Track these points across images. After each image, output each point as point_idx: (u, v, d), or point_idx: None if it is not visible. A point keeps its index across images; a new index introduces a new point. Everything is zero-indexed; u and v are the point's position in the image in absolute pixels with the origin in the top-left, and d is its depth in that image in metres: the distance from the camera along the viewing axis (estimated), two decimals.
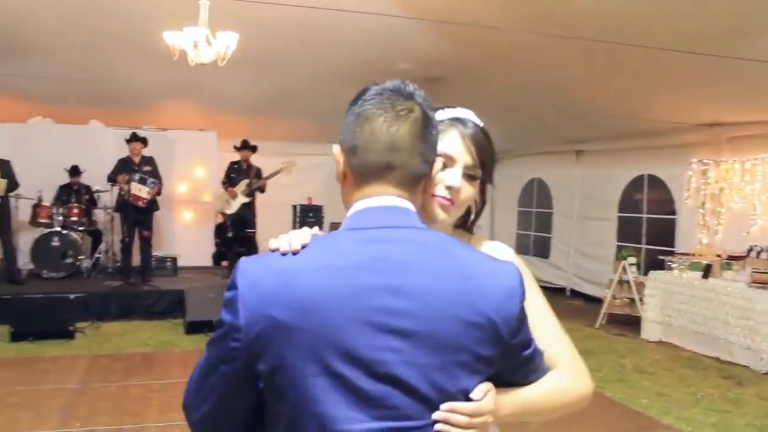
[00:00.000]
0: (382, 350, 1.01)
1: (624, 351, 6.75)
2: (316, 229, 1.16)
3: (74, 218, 8.50)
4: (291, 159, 9.26)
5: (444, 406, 1.05)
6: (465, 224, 1.48)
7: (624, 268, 7.77)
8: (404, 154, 1.11)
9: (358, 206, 1.13)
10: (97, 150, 9.06)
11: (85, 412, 4.66)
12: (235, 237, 9.23)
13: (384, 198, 1.12)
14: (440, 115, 1.33)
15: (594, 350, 6.65)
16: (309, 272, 1.04)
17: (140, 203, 7.99)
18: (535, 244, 10.93)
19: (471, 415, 1.07)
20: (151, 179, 8.12)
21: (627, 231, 8.96)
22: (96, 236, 9.07)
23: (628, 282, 7.76)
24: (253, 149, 9.16)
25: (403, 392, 1.02)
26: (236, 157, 9.22)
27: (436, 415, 1.04)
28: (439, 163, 1.21)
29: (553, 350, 1.27)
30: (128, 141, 8.27)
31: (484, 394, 1.08)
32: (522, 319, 1.11)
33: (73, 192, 8.77)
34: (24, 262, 8.35)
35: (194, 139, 10.07)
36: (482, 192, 1.43)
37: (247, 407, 1.11)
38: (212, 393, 1.10)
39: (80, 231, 8.60)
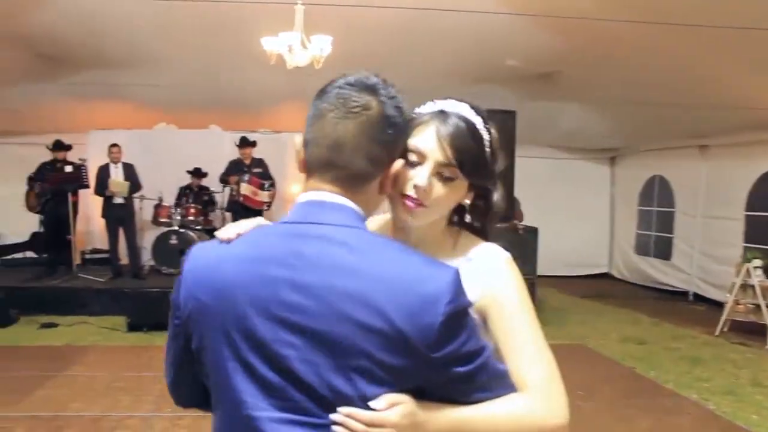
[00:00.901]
0: (281, 344, 1.02)
1: (742, 362, 6.18)
2: (261, 219, 1.20)
3: (191, 218, 9.00)
4: None
5: (342, 409, 1.01)
6: (472, 224, 1.33)
7: (748, 272, 7.14)
8: (347, 153, 1.08)
9: (299, 199, 1.13)
10: (216, 152, 9.55)
11: None
12: None
13: (318, 193, 1.10)
14: (426, 108, 1.26)
15: (707, 359, 6.16)
16: (230, 260, 1.08)
17: (255, 204, 8.34)
18: (656, 244, 10.32)
19: (368, 425, 1.00)
20: (268, 182, 8.48)
21: (756, 231, 8.20)
22: (213, 235, 9.56)
23: (753, 286, 7.13)
24: None
25: (300, 389, 1.02)
26: None
27: (333, 417, 1.01)
28: (398, 163, 1.14)
29: (523, 371, 1.15)
30: (239, 145, 8.67)
31: (387, 405, 1.01)
32: (451, 330, 1.01)
33: (192, 193, 9.31)
34: (147, 258, 8.97)
35: None
36: (479, 195, 1.29)
37: (197, 380, 1.18)
38: (171, 365, 1.23)
39: (197, 230, 9.09)
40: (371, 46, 7.23)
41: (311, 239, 1.05)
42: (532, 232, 7.31)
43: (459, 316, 1.02)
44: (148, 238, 9.11)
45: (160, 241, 8.79)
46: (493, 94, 8.45)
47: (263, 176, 8.61)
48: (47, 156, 8.49)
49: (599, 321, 7.87)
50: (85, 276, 8.26)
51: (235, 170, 8.56)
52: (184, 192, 9.37)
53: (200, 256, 1.14)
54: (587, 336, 7.05)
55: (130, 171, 8.40)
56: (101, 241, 9.34)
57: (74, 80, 8.40)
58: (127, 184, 8.25)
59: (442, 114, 1.23)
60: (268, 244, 1.08)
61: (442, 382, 1.05)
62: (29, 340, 6.51)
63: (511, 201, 7.69)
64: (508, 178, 7.57)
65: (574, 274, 11.20)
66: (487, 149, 1.25)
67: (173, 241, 8.76)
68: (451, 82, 8.36)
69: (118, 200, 8.28)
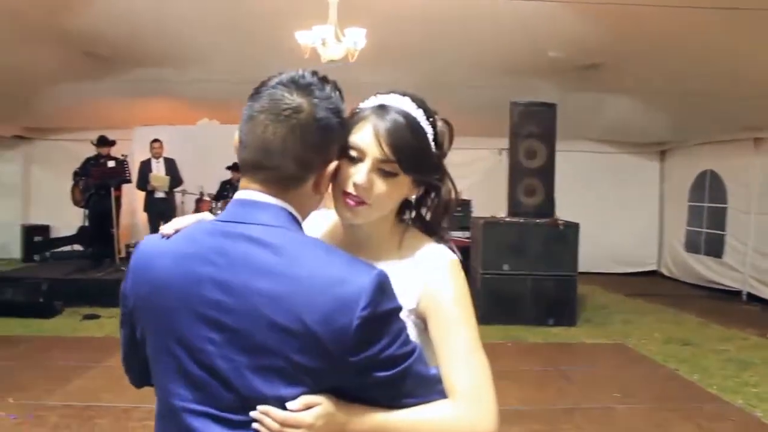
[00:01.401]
0: (203, 340, 1.04)
1: None
2: (207, 214, 1.23)
3: None
4: None
5: (259, 407, 1.02)
6: (423, 220, 1.31)
7: None
8: (276, 156, 1.07)
9: (234, 197, 1.16)
10: None
11: None
12: None
13: (249, 192, 1.11)
14: (368, 102, 1.23)
15: (755, 362, 5.87)
16: (165, 256, 1.11)
17: None
18: (706, 242, 9.91)
19: (282, 425, 1.01)
20: None
21: None
22: None
23: None
24: None
25: (221, 385, 1.04)
26: None
27: (252, 414, 1.03)
28: (332, 164, 1.13)
29: (454, 377, 1.13)
30: None
31: (302, 406, 1.02)
32: (369, 334, 1.00)
33: (232, 187, 9.41)
34: None
35: None
36: (428, 190, 1.27)
37: (145, 363, 1.19)
38: (121, 345, 1.26)
39: None
40: (406, 38, 7.16)
41: (237, 238, 1.06)
42: (573, 227, 7.09)
43: (378, 320, 1.01)
44: None
45: None
46: (533, 86, 8.27)
47: None
48: (95, 152, 8.69)
49: (643, 320, 7.61)
50: None
51: None
52: (224, 186, 9.48)
53: (143, 249, 1.16)
54: (629, 335, 6.82)
55: (171, 166, 8.56)
56: (145, 235, 9.49)
57: (120, 78, 8.58)
58: (167, 178, 8.40)
59: (381, 109, 1.20)
60: (197, 241, 1.09)
61: (365, 386, 1.05)
62: (71, 331, 6.67)
63: (551, 196, 7.51)
64: (548, 173, 7.40)
65: (622, 272, 10.89)
66: (431, 143, 1.22)
67: None
68: (490, 74, 8.21)
69: (160, 194, 8.44)
